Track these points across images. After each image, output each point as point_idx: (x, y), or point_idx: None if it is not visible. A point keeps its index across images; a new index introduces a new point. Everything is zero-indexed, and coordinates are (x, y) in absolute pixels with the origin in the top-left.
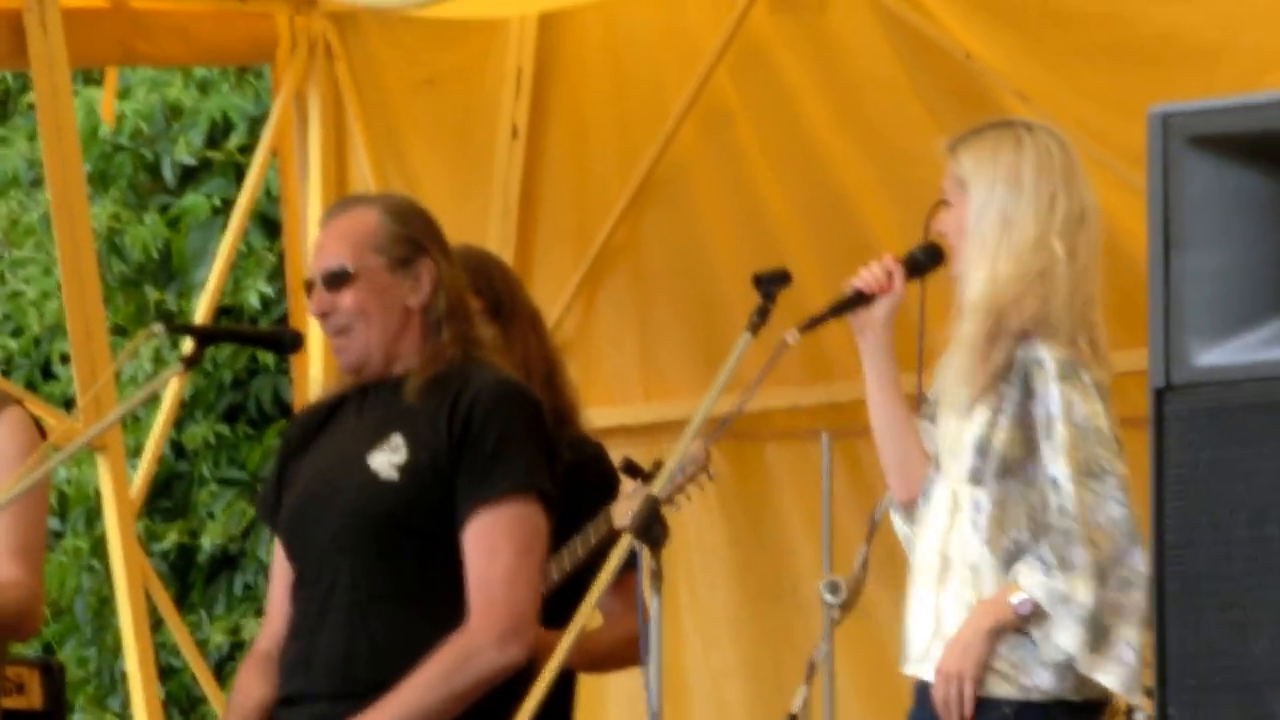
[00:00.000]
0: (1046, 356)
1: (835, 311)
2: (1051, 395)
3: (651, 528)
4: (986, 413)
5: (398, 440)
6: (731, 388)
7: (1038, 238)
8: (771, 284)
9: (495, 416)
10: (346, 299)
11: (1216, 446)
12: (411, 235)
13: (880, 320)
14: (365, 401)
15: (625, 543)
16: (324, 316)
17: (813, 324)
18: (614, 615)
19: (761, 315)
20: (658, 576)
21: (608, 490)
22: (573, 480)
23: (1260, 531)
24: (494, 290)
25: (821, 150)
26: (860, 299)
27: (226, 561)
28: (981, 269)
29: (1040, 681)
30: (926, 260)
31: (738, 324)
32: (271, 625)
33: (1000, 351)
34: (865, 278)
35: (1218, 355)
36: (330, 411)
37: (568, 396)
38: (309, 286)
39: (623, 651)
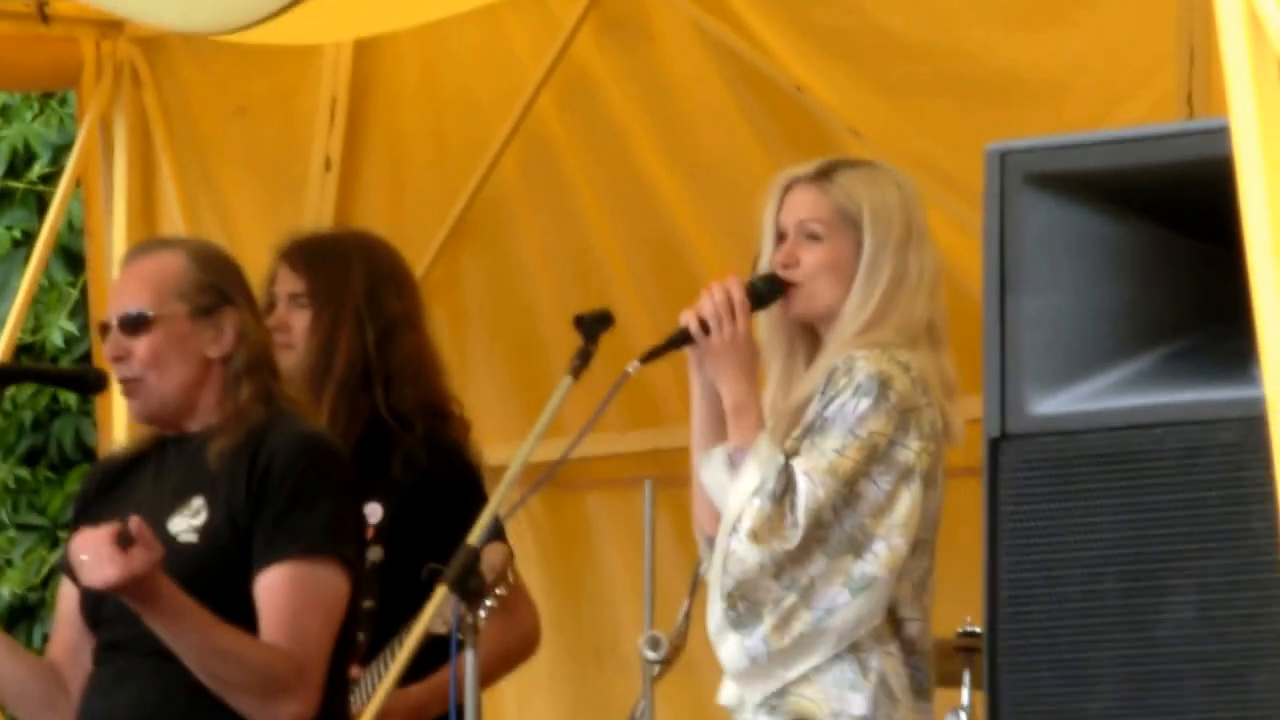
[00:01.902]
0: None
1: (673, 344)
2: None
3: (467, 580)
4: None
5: (198, 503)
6: (551, 434)
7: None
8: (594, 326)
9: (293, 472)
10: (143, 346)
11: (1053, 499)
12: (216, 283)
13: None
14: (164, 460)
15: (440, 594)
16: (117, 361)
17: (653, 355)
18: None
19: (583, 359)
20: (474, 631)
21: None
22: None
23: (1097, 587)
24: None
25: (650, 184)
26: (704, 331)
27: (25, 611)
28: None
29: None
30: (769, 293)
31: (559, 368)
32: (60, 635)
33: None
34: (707, 309)
35: (1055, 404)
36: (129, 465)
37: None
38: (104, 329)
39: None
